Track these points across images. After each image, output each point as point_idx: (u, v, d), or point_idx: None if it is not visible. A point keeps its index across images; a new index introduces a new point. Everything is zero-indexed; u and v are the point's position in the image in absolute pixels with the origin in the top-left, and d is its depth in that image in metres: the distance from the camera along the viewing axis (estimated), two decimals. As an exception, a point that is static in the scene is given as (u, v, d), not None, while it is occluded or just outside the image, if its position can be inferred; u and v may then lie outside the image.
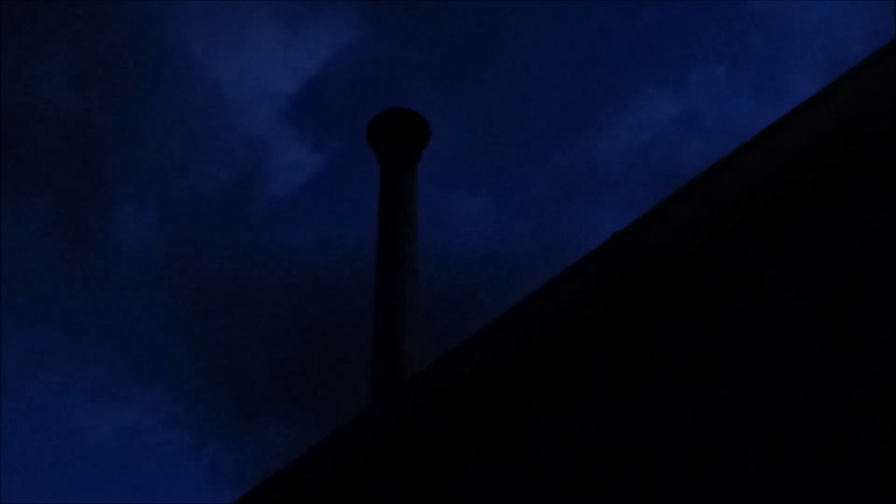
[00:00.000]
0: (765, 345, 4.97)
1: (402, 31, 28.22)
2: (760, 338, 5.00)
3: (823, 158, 5.16)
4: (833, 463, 4.48)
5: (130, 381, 26.33)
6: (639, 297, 5.61)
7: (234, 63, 29.02)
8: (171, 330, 25.86)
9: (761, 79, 29.08)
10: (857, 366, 4.59)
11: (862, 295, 4.71)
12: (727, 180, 5.27)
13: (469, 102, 28.51)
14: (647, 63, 29.87)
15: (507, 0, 27.79)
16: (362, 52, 28.66)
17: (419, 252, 11.14)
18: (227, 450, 26.10)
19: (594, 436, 5.45)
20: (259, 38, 28.60)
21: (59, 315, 25.51)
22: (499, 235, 27.00)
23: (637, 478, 5.13)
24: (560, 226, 27.21)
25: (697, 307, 5.34)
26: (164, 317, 25.78)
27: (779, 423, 4.74)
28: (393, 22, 28.28)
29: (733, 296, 5.20)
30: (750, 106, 28.95)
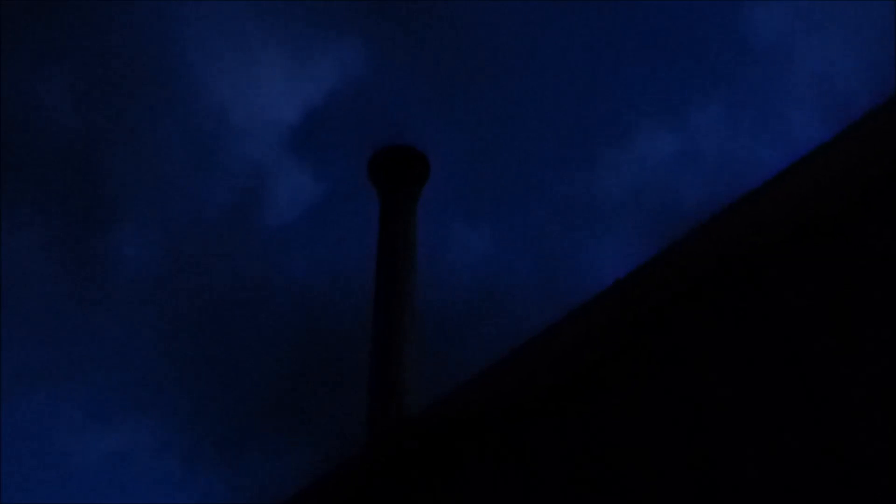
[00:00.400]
0: (765, 345, 4.98)
1: (405, 64, 28.48)
2: (760, 338, 5.00)
3: (827, 205, 5.04)
4: (833, 463, 4.47)
5: (123, 405, 26.16)
6: (640, 304, 5.61)
7: (240, 89, 29.23)
8: (166, 354, 25.77)
9: (760, 118, 29.33)
10: (857, 366, 4.59)
11: (862, 295, 4.72)
12: (720, 235, 5.20)
13: (470, 134, 28.70)
14: (647, 100, 30.12)
15: (509, 36, 28.09)
16: (365, 83, 28.90)
17: (418, 284, 11.13)
18: (218, 479, 25.85)
19: (594, 436, 5.43)
20: (266, 67, 28.85)
21: (55, 332, 25.42)
22: (498, 267, 27.03)
23: (637, 478, 5.11)
24: (559, 258, 27.25)
25: (697, 307, 5.35)
26: (159, 340, 25.70)
27: (779, 423, 4.73)
28: (397, 54, 28.55)
29: (733, 296, 5.21)
30: (748, 144, 29.15)
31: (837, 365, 4.66)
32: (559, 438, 5.58)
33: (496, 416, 5.90)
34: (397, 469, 6.14)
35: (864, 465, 4.36)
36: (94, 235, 26.13)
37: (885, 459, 4.31)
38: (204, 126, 27.52)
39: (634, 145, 29.41)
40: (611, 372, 5.55)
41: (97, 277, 25.67)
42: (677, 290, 5.41)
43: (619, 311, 5.46)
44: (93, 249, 25.91)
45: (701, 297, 5.34)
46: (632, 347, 5.51)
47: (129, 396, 26.00)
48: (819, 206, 5.05)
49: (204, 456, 25.69)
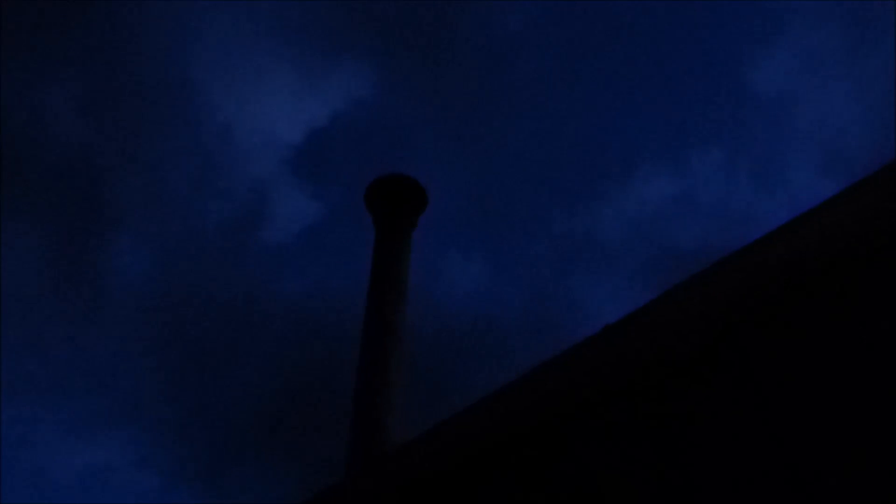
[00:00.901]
0: (765, 347, 4.97)
1: (412, 92, 28.69)
2: (760, 340, 5.00)
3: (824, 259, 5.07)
4: (833, 463, 4.44)
5: (106, 418, 25.97)
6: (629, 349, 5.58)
7: (246, 108, 29.38)
8: (154, 369, 25.63)
9: (759, 166, 29.53)
10: (856, 366, 4.59)
11: (862, 295, 4.73)
12: (711, 284, 5.23)
13: (472, 165, 28.84)
14: (650, 143, 30.34)
15: (516, 72, 28.33)
16: (371, 108, 29.08)
17: (408, 316, 11.09)
18: (198, 496, 25.62)
19: (580, 474, 5.41)
20: (273, 87, 29.02)
21: (43, 343, 25.28)
22: (492, 299, 27.02)
23: (637, 485, 5.07)
24: (554, 293, 27.26)
25: (688, 354, 5.33)
26: (148, 356, 25.57)
27: (779, 428, 4.72)
28: (404, 82, 28.76)
29: (721, 345, 5.19)
30: (747, 191, 29.33)
31: (837, 365, 4.65)
32: (544, 478, 5.55)
33: (480, 452, 5.88)
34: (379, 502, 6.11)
35: (864, 466, 4.34)
36: (91, 248, 26.10)
37: (885, 459, 4.28)
38: (208, 142, 27.62)
39: (634, 187, 29.58)
40: (599, 413, 5.53)
41: (91, 290, 25.60)
42: (668, 339, 5.40)
43: (609, 355, 5.46)
44: (89, 262, 25.87)
45: (692, 343, 5.34)
46: (622, 390, 5.50)
47: (113, 410, 25.82)
48: (818, 260, 5.07)
49: (185, 472, 25.48)
